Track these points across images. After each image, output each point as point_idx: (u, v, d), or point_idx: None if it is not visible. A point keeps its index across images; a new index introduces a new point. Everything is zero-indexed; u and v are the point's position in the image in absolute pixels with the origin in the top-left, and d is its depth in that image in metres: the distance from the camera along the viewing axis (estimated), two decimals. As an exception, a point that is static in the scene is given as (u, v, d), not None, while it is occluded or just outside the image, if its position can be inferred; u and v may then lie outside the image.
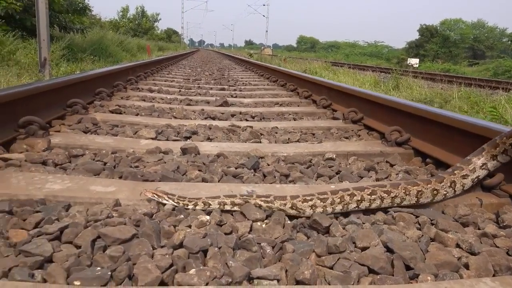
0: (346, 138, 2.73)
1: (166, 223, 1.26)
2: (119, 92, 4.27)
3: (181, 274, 0.99)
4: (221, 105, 3.82)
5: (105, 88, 3.81)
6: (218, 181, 1.74)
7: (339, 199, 1.38)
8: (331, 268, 1.09)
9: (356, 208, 1.42)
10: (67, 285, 0.94)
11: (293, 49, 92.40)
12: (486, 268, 1.09)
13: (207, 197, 1.39)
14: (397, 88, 8.85)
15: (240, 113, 3.47)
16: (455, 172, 1.55)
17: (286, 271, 1.06)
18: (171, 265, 1.03)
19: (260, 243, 1.16)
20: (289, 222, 1.34)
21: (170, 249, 1.11)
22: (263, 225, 1.29)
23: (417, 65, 27.04)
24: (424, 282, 1.04)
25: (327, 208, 1.38)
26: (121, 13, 52.63)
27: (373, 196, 1.41)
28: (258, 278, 1.01)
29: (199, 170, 1.83)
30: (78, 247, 1.10)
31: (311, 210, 1.37)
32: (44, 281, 0.96)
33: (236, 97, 4.72)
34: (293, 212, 1.37)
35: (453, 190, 1.53)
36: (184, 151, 2.10)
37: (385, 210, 1.46)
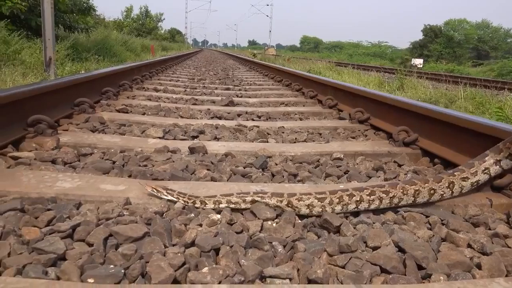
0: (353, 138, 2.73)
1: (177, 222, 1.26)
2: (125, 91, 4.28)
3: (194, 272, 0.99)
4: (227, 105, 3.82)
5: (111, 87, 3.83)
6: (227, 180, 1.74)
7: (337, 199, 1.38)
8: (343, 267, 1.08)
9: (356, 209, 1.41)
10: (81, 282, 0.94)
11: (297, 49, 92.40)
12: (499, 269, 1.09)
13: (205, 196, 1.39)
14: (402, 88, 8.83)
15: (246, 112, 3.47)
16: (455, 173, 1.53)
17: (298, 270, 1.06)
18: (184, 263, 1.03)
19: (271, 242, 1.16)
20: (299, 221, 1.34)
21: (182, 247, 1.11)
22: (274, 224, 1.29)
23: (421, 66, 26.90)
24: (437, 282, 1.03)
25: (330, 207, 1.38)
26: (125, 13, 52.77)
27: (372, 197, 1.41)
28: (271, 277, 1.01)
29: (207, 169, 1.83)
30: (90, 245, 1.10)
31: (307, 209, 1.37)
32: (58, 278, 0.96)
33: (241, 97, 4.73)
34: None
35: (450, 191, 1.51)
36: (192, 150, 2.10)
37: (395, 210, 1.46)
